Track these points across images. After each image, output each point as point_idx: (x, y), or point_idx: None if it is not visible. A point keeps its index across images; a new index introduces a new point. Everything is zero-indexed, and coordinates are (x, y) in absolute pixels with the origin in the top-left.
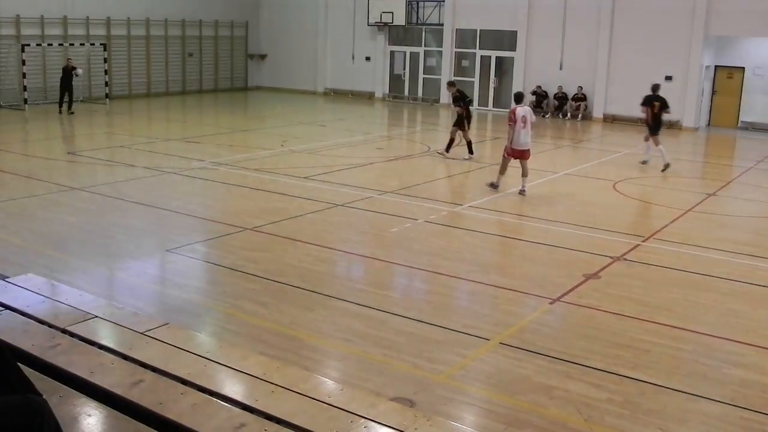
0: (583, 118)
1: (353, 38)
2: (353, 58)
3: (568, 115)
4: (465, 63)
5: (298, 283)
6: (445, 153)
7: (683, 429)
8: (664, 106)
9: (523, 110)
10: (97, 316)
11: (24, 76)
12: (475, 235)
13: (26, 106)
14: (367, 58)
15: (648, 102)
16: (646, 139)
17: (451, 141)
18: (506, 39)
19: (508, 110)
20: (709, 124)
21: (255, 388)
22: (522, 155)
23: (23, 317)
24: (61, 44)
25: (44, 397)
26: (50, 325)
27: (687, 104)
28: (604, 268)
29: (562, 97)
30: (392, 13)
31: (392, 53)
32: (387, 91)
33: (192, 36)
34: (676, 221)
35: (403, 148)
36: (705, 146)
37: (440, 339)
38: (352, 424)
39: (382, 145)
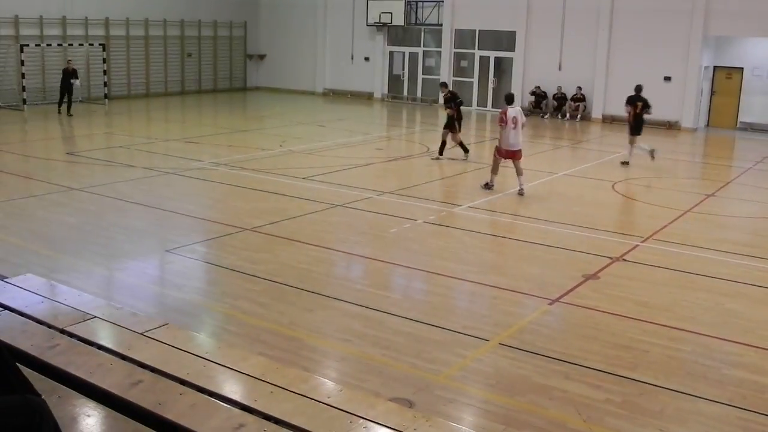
0: (582, 118)
1: (352, 38)
2: (352, 58)
3: (567, 115)
4: (464, 63)
5: (297, 284)
6: (438, 157)
7: (682, 429)
8: (645, 106)
9: (514, 111)
10: (96, 317)
11: (23, 76)
12: (474, 236)
13: (25, 106)
14: (366, 59)
15: (631, 102)
16: (631, 142)
17: (443, 144)
18: (505, 39)
19: None
20: (707, 125)
21: (254, 388)
22: (513, 155)
23: (22, 317)
24: (60, 44)
25: (43, 397)
26: (49, 326)
27: (686, 105)
28: (603, 268)
29: (561, 98)
30: (391, 13)
31: (391, 53)
32: (386, 92)
33: (191, 36)
34: (675, 222)
35: (402, 149)
36: (704, 147)
37: (439, 339)
38: (351, 424)
39: (381, 146)
